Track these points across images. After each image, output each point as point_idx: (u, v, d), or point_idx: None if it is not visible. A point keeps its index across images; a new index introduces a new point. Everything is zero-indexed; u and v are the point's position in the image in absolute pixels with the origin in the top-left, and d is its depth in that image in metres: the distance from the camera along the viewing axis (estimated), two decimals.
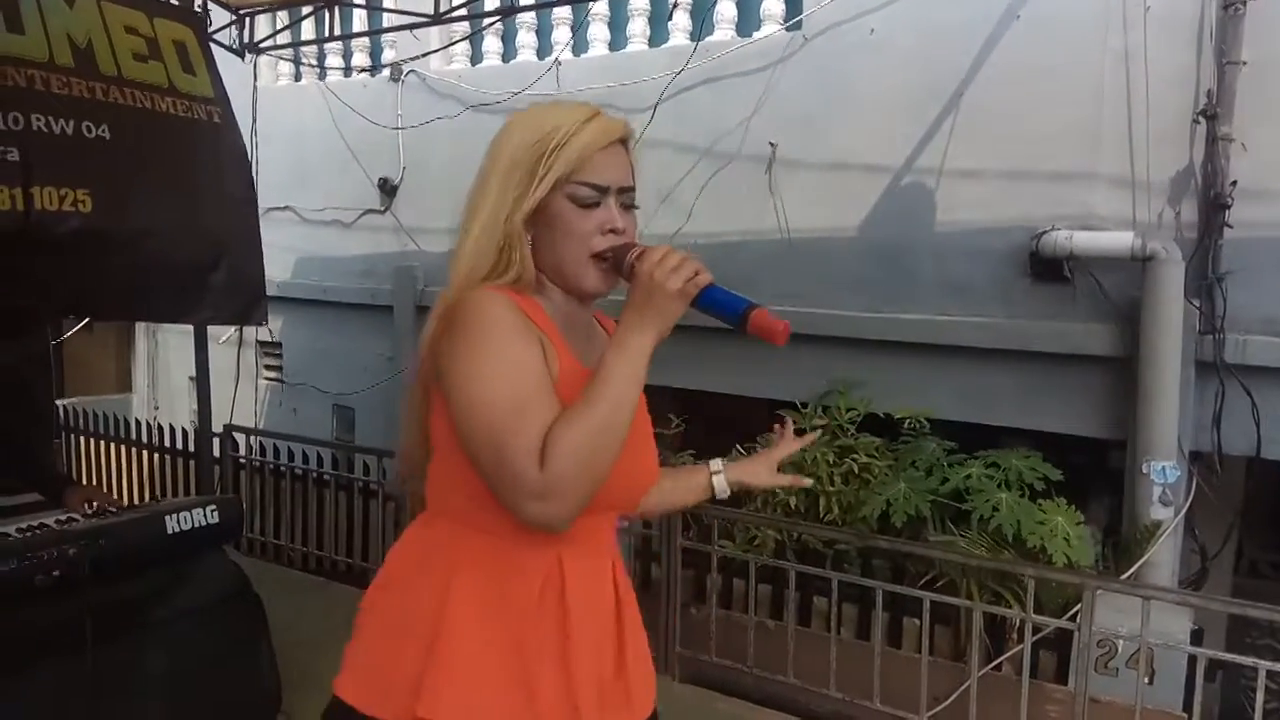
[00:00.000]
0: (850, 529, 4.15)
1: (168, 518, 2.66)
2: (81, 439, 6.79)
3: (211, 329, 4.11)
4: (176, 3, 3.78)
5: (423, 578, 1.34)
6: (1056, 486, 4.07)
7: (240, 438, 5.79)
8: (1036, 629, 3.35)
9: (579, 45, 6.02)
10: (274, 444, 5.73)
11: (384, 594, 1.40)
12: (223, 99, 3.56)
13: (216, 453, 5.36)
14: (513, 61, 6.36)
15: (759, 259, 5.16)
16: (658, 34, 5.76)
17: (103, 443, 6.65)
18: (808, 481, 1.75)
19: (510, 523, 1.23)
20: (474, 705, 1.27)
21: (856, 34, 4.88)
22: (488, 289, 1.30)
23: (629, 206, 1.38)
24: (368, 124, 6.77)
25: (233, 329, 6.92)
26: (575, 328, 1.40)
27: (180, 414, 8.03)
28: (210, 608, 2.79)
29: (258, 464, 5.71)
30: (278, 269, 6.02)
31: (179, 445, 6.15)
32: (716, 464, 1.72)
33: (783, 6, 5.24)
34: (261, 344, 7.75)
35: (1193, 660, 3.23)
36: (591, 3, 5.88)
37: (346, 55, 7.27)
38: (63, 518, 2.66)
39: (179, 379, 8.37)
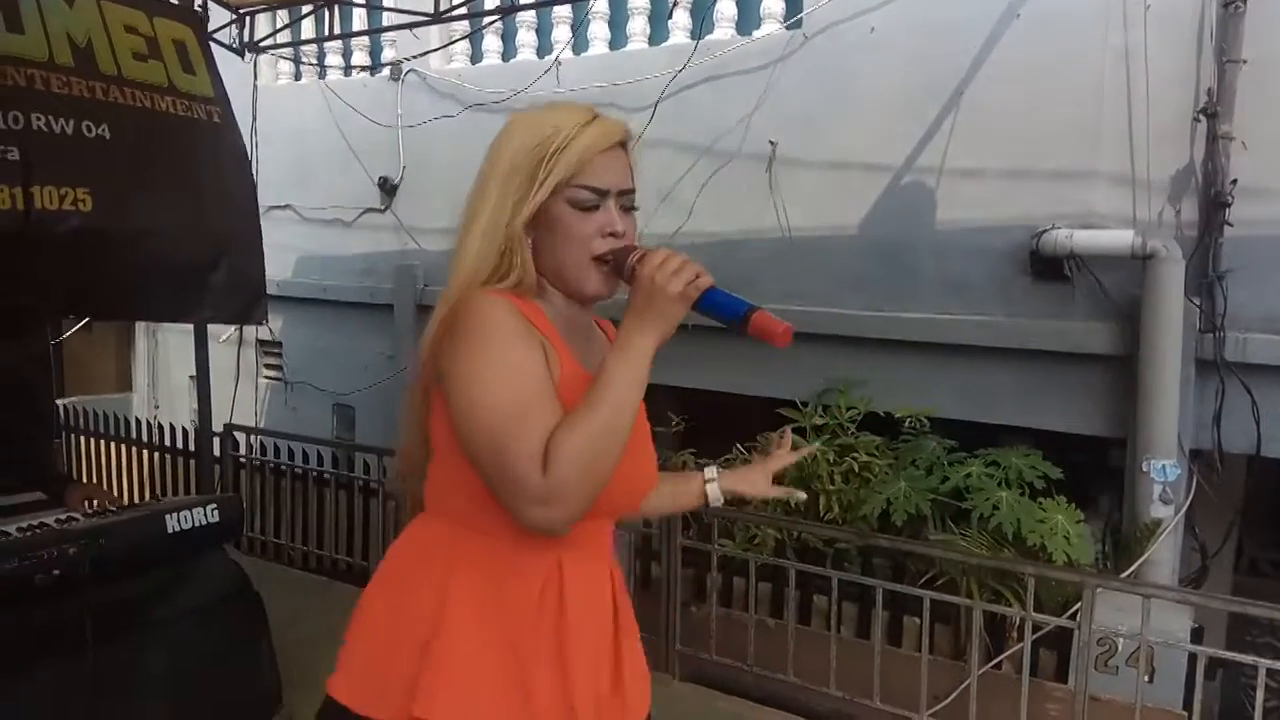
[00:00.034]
0: (850, 528, 4.15)
1: (168, 517, 2.66)
2: (82, 438, 6.79)
3: (211, 328, 4.11)
4: (176, 2, 3.77)
5: (420, 578, 1.34)
6: (1057, 485, 4.07)
7: (240, 437, 5.79)
8: (1036, 627, 3.35)
9: (579, 44, 6.01)
10: (274, 443, 5.73)
11: (381, 594, 1.39)
12: (222, 98, 3.56)
13: (217, 452, 5.36)
14: (513, 60, 6.35)
15: (759, 258, 5.16)
16: (658, 32, 5.76)
17: (103, 442, 6.65)
18: (801, 495, 1.75)
19: (510, 525, 1.23)
20: (470, 706, 1.27)
21: (856, 32, 4.88)
22: (489, 293, 1.29)
23: (629, 209, 1.38)
24: (368, 123, 6.77)
25: (233, 328, 6.93)
26: (576, 331, 1.40)
27: (180, 413, 8.03)
28: (210, 607, 2.79)
29: (258, 463, 5.71)
30: (278, 268, 6.02)
31: (179, 444, 6.15)
32: (711, 472, 1.72)
33: (783, 5, 5.23)
34: (262, 343, 7.74)
35: (1193, 658, 3.23)
36: (591, 1, 5.87)
37: (346, 54, 7.26)
38: (63, 517, 2.66)
39: (179, 378, 8.36)
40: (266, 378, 7.91)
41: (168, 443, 6.21)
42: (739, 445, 4.78)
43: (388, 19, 6.30)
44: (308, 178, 7.25)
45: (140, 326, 8.98)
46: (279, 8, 6.06)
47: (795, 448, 1.80)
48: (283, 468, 5.61)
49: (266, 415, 7.80)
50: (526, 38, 6.27)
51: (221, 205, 3.45)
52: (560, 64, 5.88)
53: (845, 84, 4.93)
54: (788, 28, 5.18)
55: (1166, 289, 3.99)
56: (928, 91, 4.67)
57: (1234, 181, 3.99)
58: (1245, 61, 3.97)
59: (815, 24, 5.02)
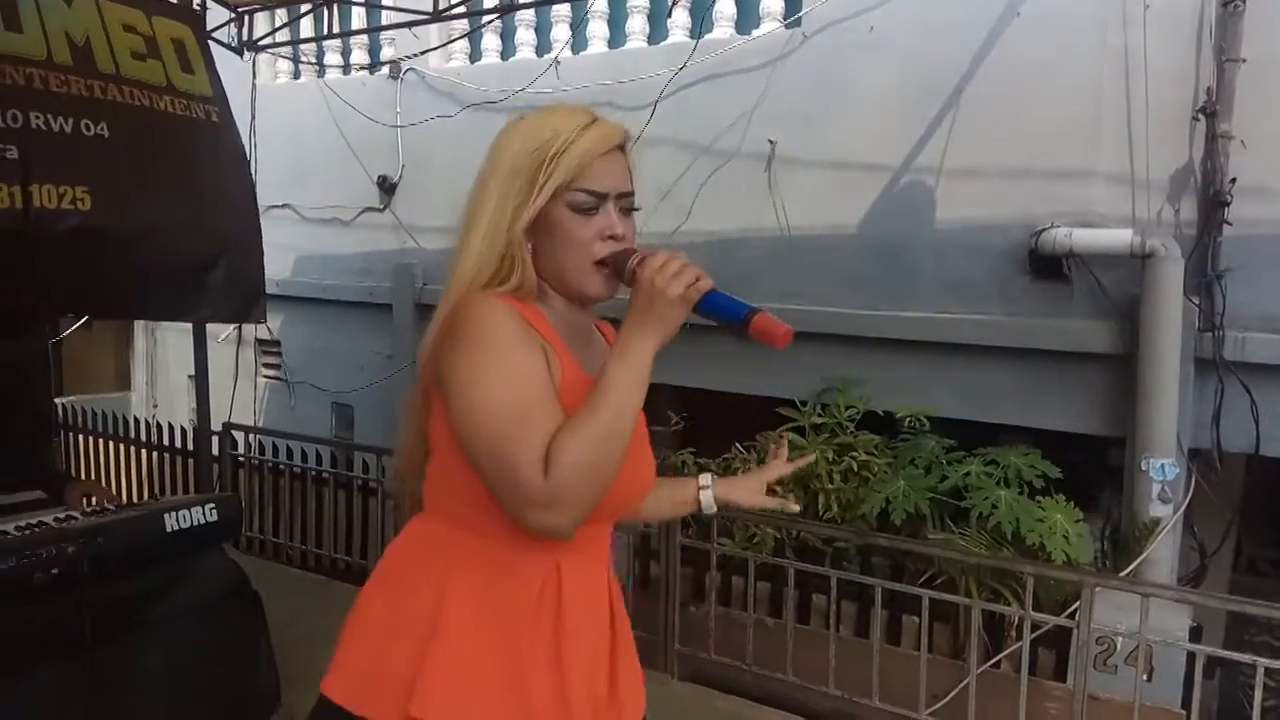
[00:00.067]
0: (849, 527, 4.15)
1: (166, 516, 2.66)
2: (80, 437, 6.79)
3: (210, 327, 4.11)
4: (175, 1, 3.77)
5: (418, 578, 1.34)
6: (1055, 484, 4.07)
7: (239, 436, 5.79)
8: (1035, 626, 3.36)
9: (578, 43, 6.01)
10: (273, 442, 5.72)
11: (378, 594, 1.39)
12: (221, 98, 3.56)
13: (215, 451, 5.36)
14: (512, 59, 6.35)
15: (758, 257, 5.16)
16: (657, 31, 5.76)
17: (102, 441, 6.65)
18: (795, 507, 1.75)
19: (509, 527, 1.23)
20: (467, 706, 1.27)
21: (856, 31, 4.88)
22: (489, 296, 1.29)
23: (628, 211, 1.38)
24: (367, 122, 6.76)
25: (232, 327, 6.93)
26: (576, 335, 1.40)
27: (179, 412, 8.03)
28: (209, 606, 2.79)
29: (257, 462, 5.71)
30: (277, 267, 6.01)
31: (178, 443, 6.15)
32: (705, 479, 1.72)
33: (782, 4, 5.23)
34: (260, 342, 7.74)
35: (1191, 657, 3.23)
36: (590, 0, 5.87)
37: (345, 53, 7.26)
38: (61, 516, 2.65)
39: (178, 377, 8.36)
40: (265, 377, 7.91)
41: (166, 442, 6.21)
42: (738, 444, 4.79)
43: (387, 17, 6.30)
44: (306, 177, 7.24)
45: (139, 325, 8.98)
46: (277, 6, 6.06)
47: (792, 458, 1.80)
48: (281, 467, 5.61)
49: (265, 414, 7.79)
50: (525, 36, 6.27)
51: (220, 204, 3.44)
52: (559, 63, 5.88)
53: (844, 83, 4.93)
54: (787, 26, 5.18)
55: (1165, 288, 3.99)
56: (927, 90, 4.66)
57: (1233, 180, 3.99)
58: (1244, 60, 3.97)
59: (814, 23, 5.02)
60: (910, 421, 4.50)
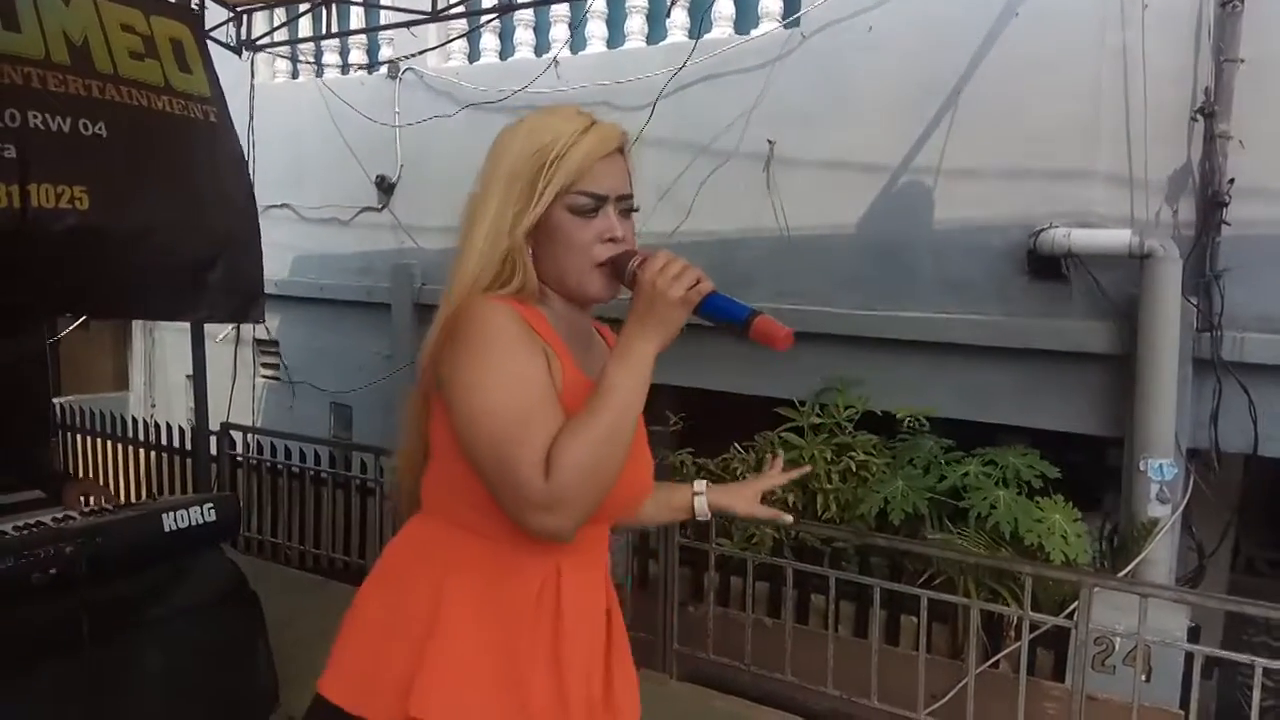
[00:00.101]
0: (848, 527, 4.16)
1: (165, 516, 2.66)
2: (78, 437, 6.78)
3: (209, 327, 4.11)
4: (173, 0, 3.76)
5: (416, 578, 1.34)
6: (1054, 484, 4.08)
7: (237, 436, 5.78)
8: (1034, 626, 3.36)
9: (577, 42, 6.01)
10: (271, 442, 5.72)
11: (376, 593, 1.39)
12: (219, 98, 3.56)
13: (213, 451, 5.36)
14: (510, 59, 6.35)
15: (757, 257, 5.16)
16: (656, 31, 5.75)
17: (99, 441, 6.65)
18: (788, 519, 1.75)
19: (510, 528, 1.24)
20: (466, 706, 1.27)
21: (854, 31, 4.88)
22: (491, 299, 1.30)
23: (628, 212, 1.38)
24: (365, 121, 6.76)
25: (230, 327, 6.92)
26: (577, 337, 1.40)
27: (177, 412, 8.02)
28: (207, 606, 2.79)
29: (255, 462, 5.71)
30: (275, 267, 6.00)
31: (176, 443, 6.14)
32: (700, 485, 1.72)
33: (781, 4, 5.23)
34: (259, 342, 7.73)
35: (1190, 657, 3.24)
36: (589, 0, 5.87)
37: (344, 52, 7.25)
38: (59, 515, 2.65)
39: (176, 377, 8.35)
40: (264, 377, 7.90)
41: (164, 442, 6.21)
42: (737, 444, 4.78)
43: (385, 17, 6.29)
44: (305, 176, 7.24)
45: (137, 325, 8.97)
46: (276, 6, 6.05)
47: (789, 467, 1.81)
48: (280, 467, 5.61)
49: (263, 414, 7.79)
50: (524, 36, 6.27)
51: (219, 204, 3.44)
52: (558, 63, 5.88)
53: (843, 83, 4.93)
54: (786, 26, 5.18)
55: (1164, 288, 3.99)
56: (925, 90, 4.67)
57: (1231, 181, 3.99)
58: (1243, 61, 3.98)
59: (813, 23, 5.02)
60: (910, 422, 4.49)
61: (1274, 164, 3.97)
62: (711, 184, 5.31)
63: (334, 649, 1.38)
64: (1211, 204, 4.03)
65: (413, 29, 6.11)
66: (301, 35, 7.00)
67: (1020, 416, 4.54)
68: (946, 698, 3.55)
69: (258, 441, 5.79)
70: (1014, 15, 4.41)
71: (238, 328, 6.94)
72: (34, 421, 3.51)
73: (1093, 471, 4.51)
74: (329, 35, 6.92)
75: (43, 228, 2.81)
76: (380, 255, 6.91)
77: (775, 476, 1.78)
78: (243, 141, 3.80)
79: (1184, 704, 3.38)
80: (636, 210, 1.40)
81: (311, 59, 7.48)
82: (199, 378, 4.27)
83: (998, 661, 3.80)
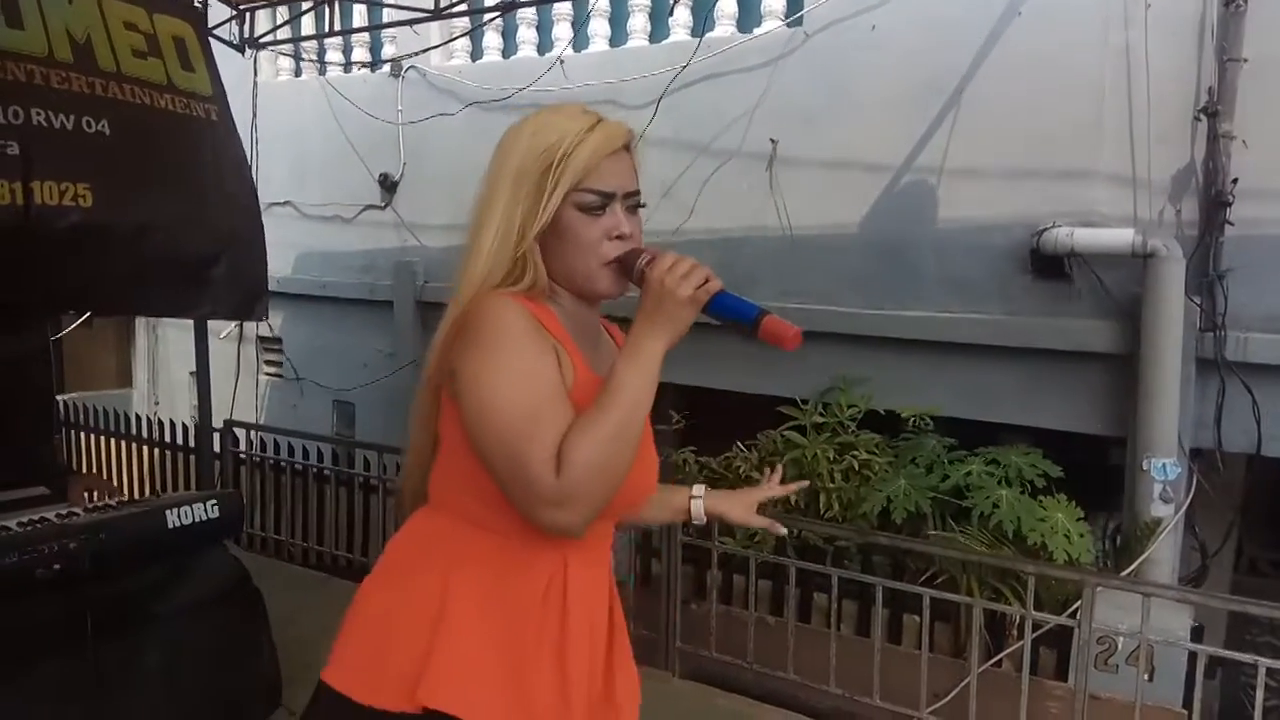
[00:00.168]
0: (850, 525, 4.16)
1: (168, 512, 2.66)
2: (82, 434, 6.79)
3: (212, 324, 4.11)
4: None
5: (423, 570, 1.35)
6: (1057, 483, 4.08)
7: (241, 433, 5.79)
8: (1036, 626, 3.36)
9: (580, 41, 6.01)
10: (274, 439, 5.73)
11: (382, 584, 1.40)
12: (220, 97, 3.56)
13: (217, 448, 5.37)
14: (513, 57, 6.35)
15: (760, 256, 5.16)
16: (659, 30, 5.75)
17: (103, 438, 6.65)
18: (782, 530, 1.76)
19: (518, 523, 1.24)
20: (473, 696, 1.28)
21: (857, 30, 4.87)
22: (502, 295, 1.30)
23: (634, 209, 1.39)
24: (368, 119, 6.76)
25: (233, 324, 6.93)
26: (586, 334, 1.41)
27: (180, 409, 8.03)
28: (210, 602, 2.79)
29: (258, 459, 5.71)
30: (278, 264, 6.02)
31: (179, 440, 6.15)
32: (698, 489, 1.73)
33: (784, 3, 5.23)
34: (262, 339, 7.74)
35: (1193, 657, 3.23)
36: None
37: (347, 50, 7.26)
38: (63, 512, 2.66)
39: (179, 374, 8.36)
40: (267, 374, 7.91)
41: (168, 439, 6.21)
42: (739, 443, 4.79)
43: (388, 15, 6.29)
44: (308, 174, 7.24)
45: (140, 322, 8.98)
46: (279, 4, 6.06)
47: (788, 481, 1.82)
48: (283, 464, 5.61)
49: (267, 411, 7.80)
50: (527, 35, 6.27)
51: (222, 202, 3.44)
52: (562, 61, 5.88)
53: (846, 82, 4.93)
54: (789, 25, 5.18)
55: (1167, 288, 3.99)
56: (928, 89, 4.66)
57: (1235, 180, 3.99)
58: (1246, 60, 3.97)
59: (816, 21, 5.02)
60: (915, 421, 4.49)
61: (1277, 163, 3.96)
62: (714, 183, 5.31)
63: (339, 638, 1.39)
64: (1215, 203, 4.03)
65: (415, 27, 6.12)
66: (304, 33, 7.01)
67: (1023, 416, 4.54)
68: (949, 697, 3.55)
69: (261, 439, 5.79)
70: (1017, 14, 4.41)
71: (241, 325, 6.95)
72: (38, 418, 3.51)
73: (1096, 471, 4.50)
74: (332, 33, 6.92)
75: (46, 225, 2.81)
76: (383, 253, 6.92)
77: (773, 489, 1.79)
78: (246, 139, 3.81)
79: (1187, 704, 3.39)
80: (643, 206, 1.41)
81: (314, 57, 7.48)
82: (202, 375, 4.27)
83: (1000, 660, 3.80)
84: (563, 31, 6.00)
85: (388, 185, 6.86)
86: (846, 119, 4.93)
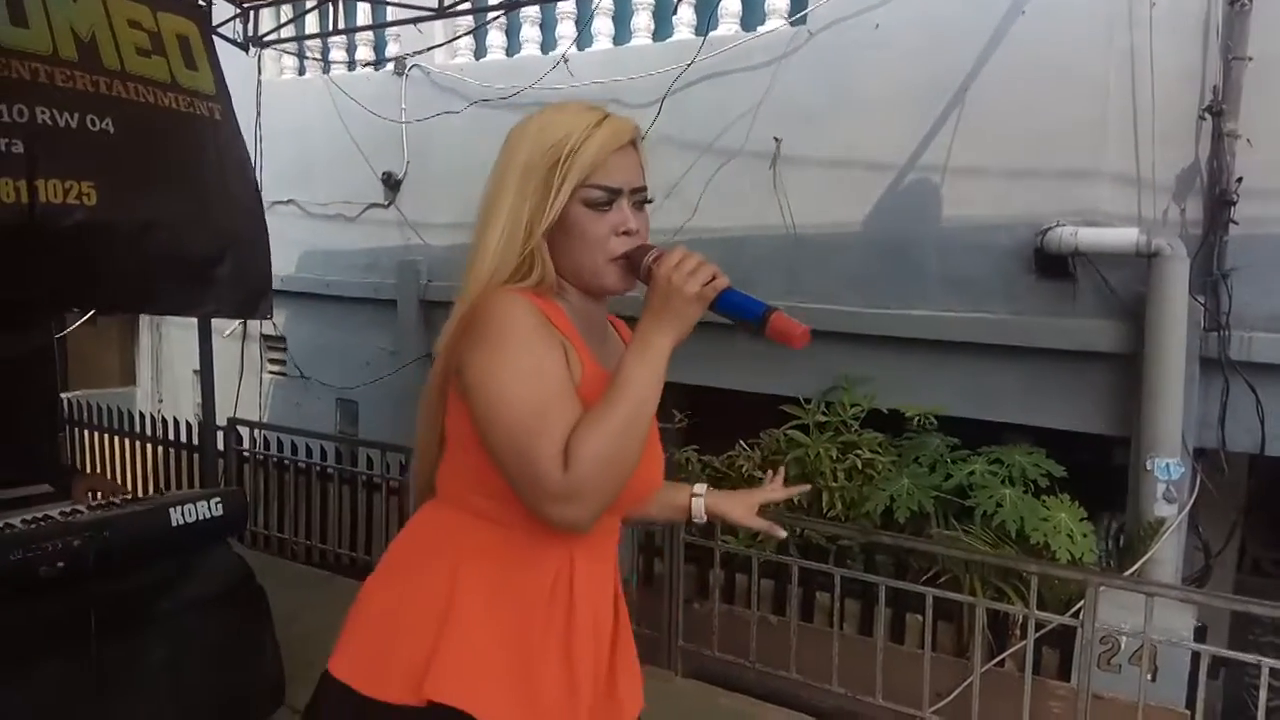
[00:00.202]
0: (853, 524, 4.15)
1: (172, 510, 2.66)
2: (85, 432, 6.80)
3: (215, 323, 4.12)
4: None
5: (431, 564, 1.35)
6: (1060, 483, 4.07)
7: (244, 431, 5.80)
8: (1039, 625, 3.35)
9: (583, 39, 6.01)
10: (278, 437, 5.73)
11: (388, 578, 1.40)
12: (223, 95, 3.56)
13: (220, 446, 5.38)
14: (517, 56, 6.35)
15: (763, 254, 5.16)
16: (663, 28, 5.75)
17: (107, 436, 6.66)
18: (782, 533, 1.76)
19: (526, 517, 1.25)
20: (480, 691, 1.28)
21: (861, 29, 4.87)
22: (510, 291, 1.31)
23: (641, 205, 1.39)
24: (372, 118, 6.76)
25: (237, 322, 6.94)
26: (593, 330, 1.41)
27: (184, 407, 8.04)
28: (214, 600, 2.79)
29: (261, 457, 5.72)
30: (281, 263, 6.00)
31: (183, 438, 6.16)
32: (699, 488, 1.73)
33: (787, 1, 5.22)
34: (265, 338, 7.75)
35: (1196, 657, 3.22)
36: None
37: (350, 49, 7.26)
38: (67, 509, 2.66)
39: (183, 372, 8.37)
40: (270, 372, 7.92)
41: (171, 437, 6.22)
42: (742, 442, 4.79)
43: (392, 14, 6.29)
44: (312, 173, 7.25)
45: (144, 321, 8.99)
46: (283, 2, 6.06)
47: (791, 484, 1.82)
48: (286, 462, 5.62)
49: (270, 410, 7.81)
50: (530, 33, 6.27)
51: (226, 201, 3.45)
52: (566, 60, 5.87)
53: (850, 81, 4.92)
54: (792, 24, 5.18)
55: (1171, 287, 3.98)
56: (932, 88, 4.66)
57: (1239, 180, 3.98)
58: (1251, 59, 3.96)
59: (820, 20, 5.01)
60: (921, 420, 4.49)
61: None
62: (717, 181, 5.30)
63: (344, 630, 1.39)
64: (1219, 203, 4.02)
65: (419, 26, 6.11)
66: (308, 32, 7.00)
67: (1026, 415, 4.53)
68: (951, 696, 3.55)
69: (264, 437, 5.80)
70: (1021, 13, 4.40)
71: (244, 323, 6.96)
72: (42, 416, 3.52)
73: (1099, 471, 4.50)
74: (335, 32, 6.92)
75: (50, 223, 2.81)
76: (386, 252, 6.92)
77: (775, 491, 1.79)
78: (250, 138, 3.81)
79: (1190, 704, 3.38)
80: (650, 202, 1.41)
81: (318, 55, 7.48)
82: (206, 373, 4.29)
83: (1003, 660, 3.80)
84: (566, 30, 6.01)
85: (391, 184, 6.86)
86: (850, 118, 4.93)
